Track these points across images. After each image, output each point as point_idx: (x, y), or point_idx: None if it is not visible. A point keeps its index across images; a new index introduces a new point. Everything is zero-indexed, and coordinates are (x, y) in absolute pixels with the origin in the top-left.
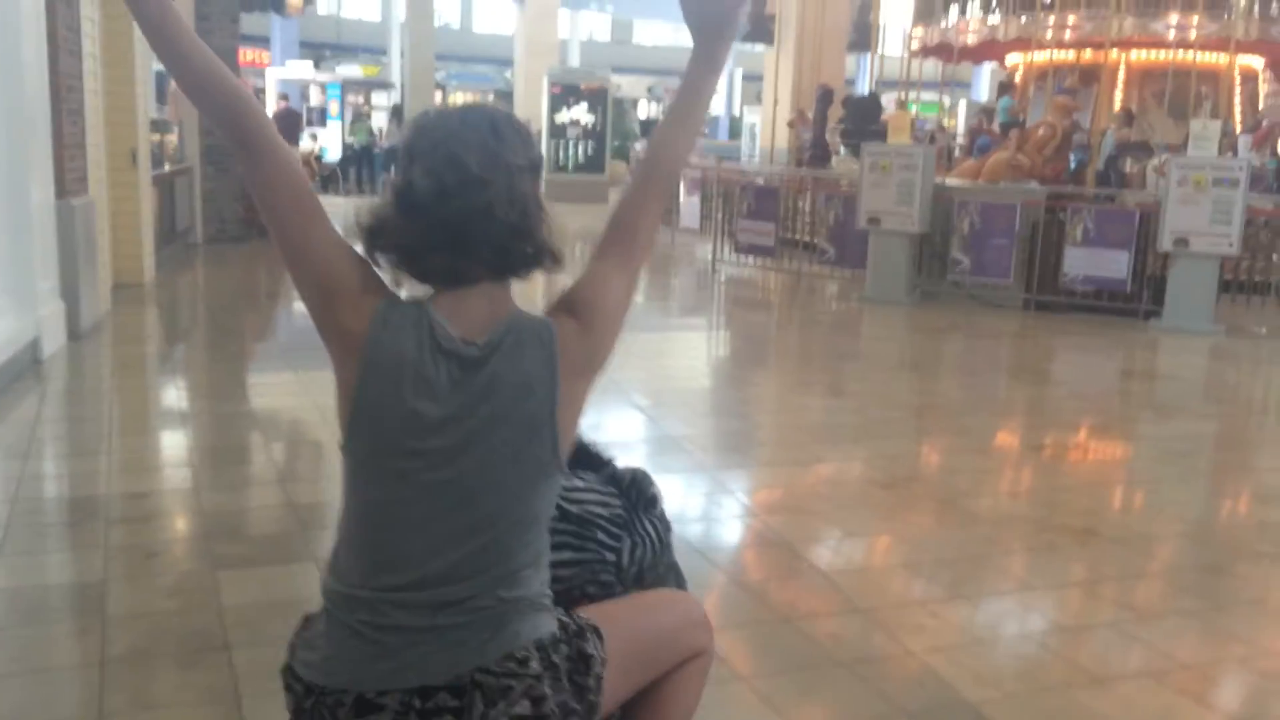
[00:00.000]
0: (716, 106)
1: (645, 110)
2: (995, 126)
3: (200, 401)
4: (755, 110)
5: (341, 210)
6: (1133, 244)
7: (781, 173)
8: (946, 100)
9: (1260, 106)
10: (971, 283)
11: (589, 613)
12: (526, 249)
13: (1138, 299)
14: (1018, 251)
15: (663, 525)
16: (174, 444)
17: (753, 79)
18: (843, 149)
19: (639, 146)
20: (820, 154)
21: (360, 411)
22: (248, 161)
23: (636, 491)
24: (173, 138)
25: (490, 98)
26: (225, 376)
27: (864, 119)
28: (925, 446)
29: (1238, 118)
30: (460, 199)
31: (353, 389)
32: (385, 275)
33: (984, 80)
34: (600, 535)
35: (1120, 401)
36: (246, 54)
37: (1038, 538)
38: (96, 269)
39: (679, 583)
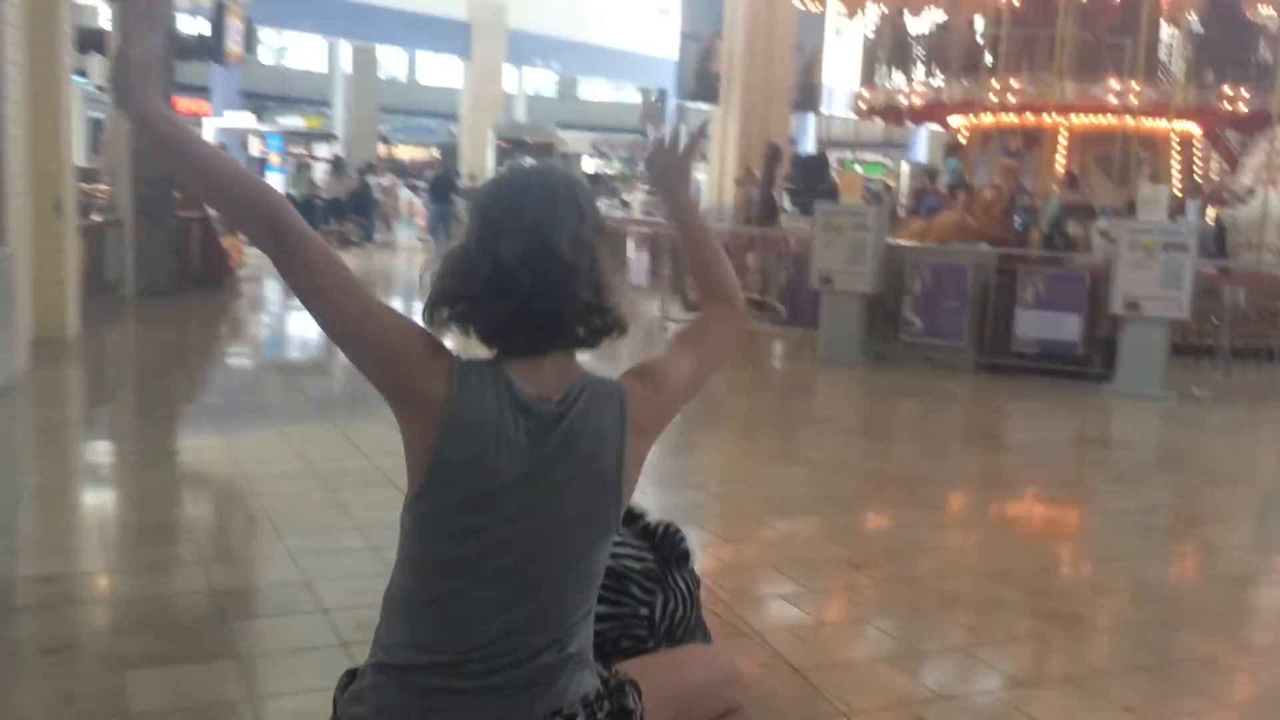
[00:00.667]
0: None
1: (591, 166)
2: (942, 187)
3: (122, 471)
4: (700, 168)
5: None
6: (1084, 307)
7: (731, 230)
8: (888, 161)
9: (1195, 172)
10: (924, 344)
11: (625, 667)
12: (602, 322)
13: (1089, 362)
14: (970, 313)
15: (693, 580)
16: (90, 519)
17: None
18: (790, 207)
19: None
20: (768, 212)
21: (438, 469)
22: (285, 255)
23: (669, 546)
24: (104, 187)
25: (434, 152)
26: (150, 442)
27: (811, 178)
28: (889, 520)
29: (1175, 182)
30: (556, 290)
31: (431, 448)
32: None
33: (922, 142)
34: (634, 590)
35: (1083, 471)
36: (186, 104)
37: (1019, 624)
38: (13, 323)
39: (705, 637)
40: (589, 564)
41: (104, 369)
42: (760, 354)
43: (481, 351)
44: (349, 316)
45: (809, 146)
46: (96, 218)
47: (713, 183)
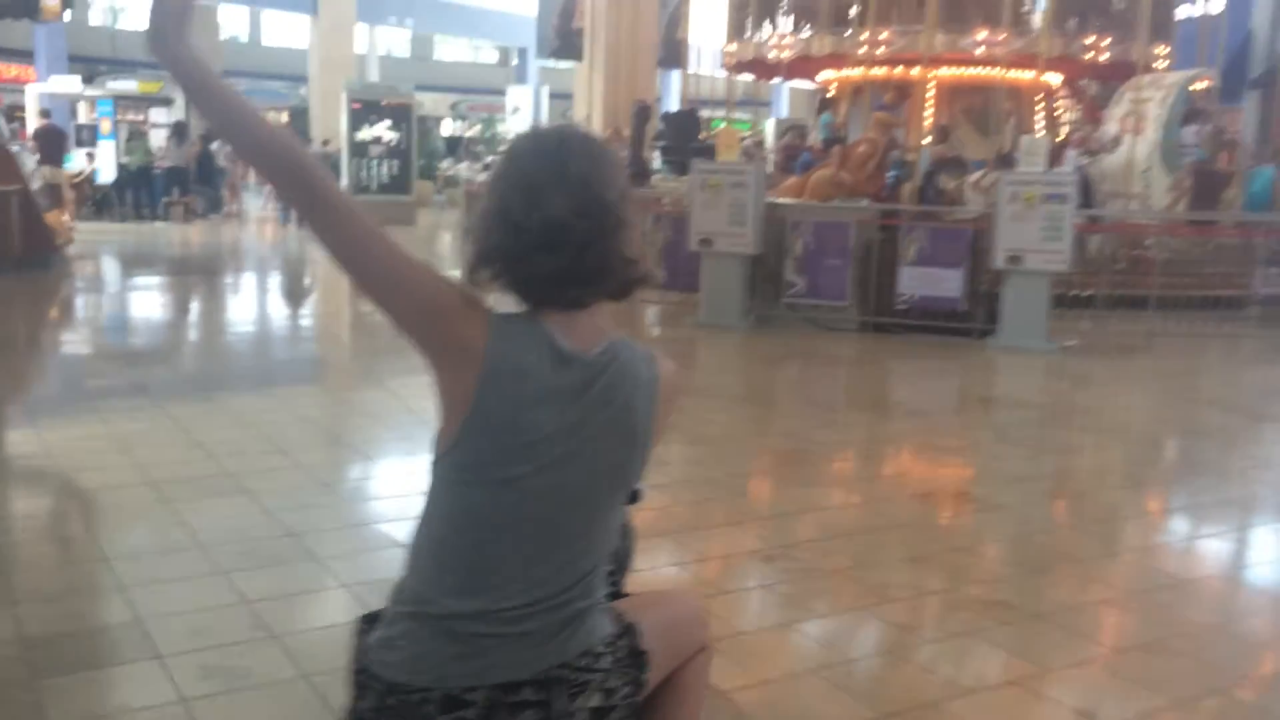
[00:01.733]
0: (523, 125)
1: (449, 128)
2: (817, 142)
3: None
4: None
5: (118, 237)
6: (965, 262)
7: None
8: (752, 119)
9: (1059, 121)
10: (807, 305)
11: (621, 608)
12: (636, 275)
13: (972, 317)
14: (853, 272)
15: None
16: None
17: (559, 97)
18: (661, 166)
19: (445, 165)
20: (639, 172)
21: (476, 419)
22: (322, 218)
23: None
24: None
25: (284, 116)
26: None
27: (683, 135)
28: (793, 502)
29: (1039, 133)
30: (607, 241)
31: (469, 399)
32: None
33: (785, 99)
34: None
35: (983, 434)
36: (10, 69)
37: (953, 617)
38: None
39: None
40: (614, 514)
41: None
42: (637, 321)
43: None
44: (388, 273)
45: (674, 105)
46: None
47: None
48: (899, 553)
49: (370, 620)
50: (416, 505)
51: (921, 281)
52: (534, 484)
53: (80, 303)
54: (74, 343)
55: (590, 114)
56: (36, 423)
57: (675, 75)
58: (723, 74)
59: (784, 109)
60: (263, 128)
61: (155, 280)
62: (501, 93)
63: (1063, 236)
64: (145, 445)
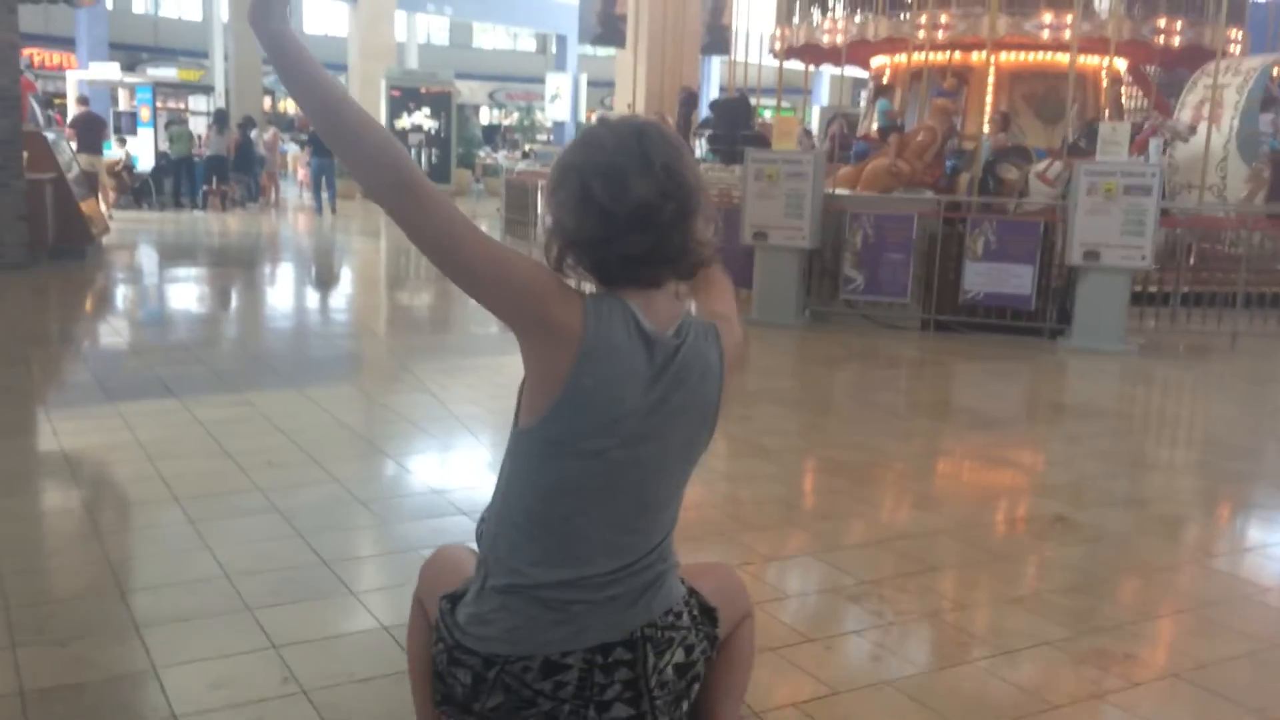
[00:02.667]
0: (561, 113)
1: (487, 116)
2: (872, 131)
3: None
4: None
5: (155, 226)
6: (1036, 257)
7: None
8: (790, 106)
9: (1125, 110)
10: (866, 302)
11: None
12: (706, 256)
13: (1042, 316)
14: (915, 267)
15: None
16: None
17: (598, 85)
18: (708, 155)
19: (483, 154)
20: None
21: (571, 395)
22: (414, 207)
23: None
24: None
25: None
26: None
27: (733, 123)
28: (877, 529)
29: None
30: (691, 219)
31: (564, 376)
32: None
33: (825, 86)
34: None
35: (1065, 448)
36: (52, 56)
37: (1079, 674)
38: None
39: None
40: (684, 486)
41: None
42: None
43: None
44: (485, 262)
45: (714, 93)
46: None
47: None
48: (1001, 591)
49: (453, 600)
50: (461, 527)
51: (988, 277)
52: (619, 457)
53: (113, 295)
54: (104, 337)
55: (632, 101)
56: (56, 426)
57: (715, 62)
58: (768, 60)
59: (824, 97)
60: (352, 110)
61: (191, 271)
62: (540, 80)
63: (1145, 231)
64: (172, 455)
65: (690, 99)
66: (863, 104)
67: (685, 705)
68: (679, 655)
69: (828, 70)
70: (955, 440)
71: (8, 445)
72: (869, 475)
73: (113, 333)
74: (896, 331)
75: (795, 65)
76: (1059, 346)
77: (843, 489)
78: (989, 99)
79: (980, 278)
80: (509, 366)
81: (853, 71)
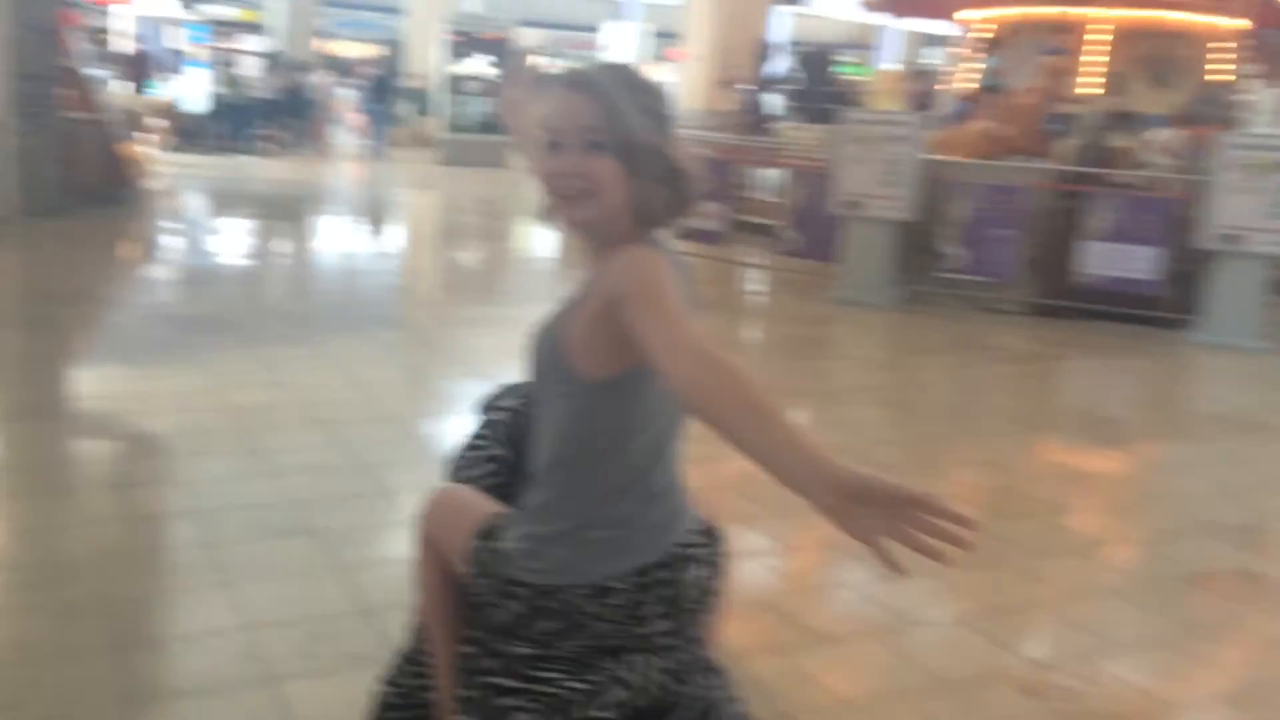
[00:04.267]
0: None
1: (542, 66)
2: (971, 91)
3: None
4: (666, 69)
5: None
6: (1163, 238)
7: (725, 142)
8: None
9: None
10: (966, 282)
11: None
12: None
13: (1165, 305)
14: (1023, 246)
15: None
16: None
17: (663, 35)
18: (784, 112)
19: None
20: (759, 119)
21: None
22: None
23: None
24: None
25: (378, 49)
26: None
27: (817, 78)
28: (1027, 590)
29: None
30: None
31: None
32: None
33: (893, 42)
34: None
35: (1229, 474)
36: None
37: None
38: None
39: None
40: None
41: None
42: (765, 294)
43: None
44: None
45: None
46: None
47: (688, 86)
48: (1215, 685)
49: (486, 535)
50: None
51: (1109, 259)
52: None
53: (150, 244)
54: (135, 290)
55: (698, 54)
56: (84, 385)
57: (782, 14)
58: (839, 13)
59: (891, 54)
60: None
61: (234, 220)
62: (593, 29)
63: None
64: (197, 468)
65: (767, 51)
66: (930, 60)
67: (706, 615)
68: (705, 570)
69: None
70: (1096, 460)
71: (33, 401)
72: (1007, 506)
73: (140, 290)
74: (999, 316)
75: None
76: (1184, 340)
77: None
78: (1096, 58)
79: (1098, 259)
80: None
81: (935, 27)
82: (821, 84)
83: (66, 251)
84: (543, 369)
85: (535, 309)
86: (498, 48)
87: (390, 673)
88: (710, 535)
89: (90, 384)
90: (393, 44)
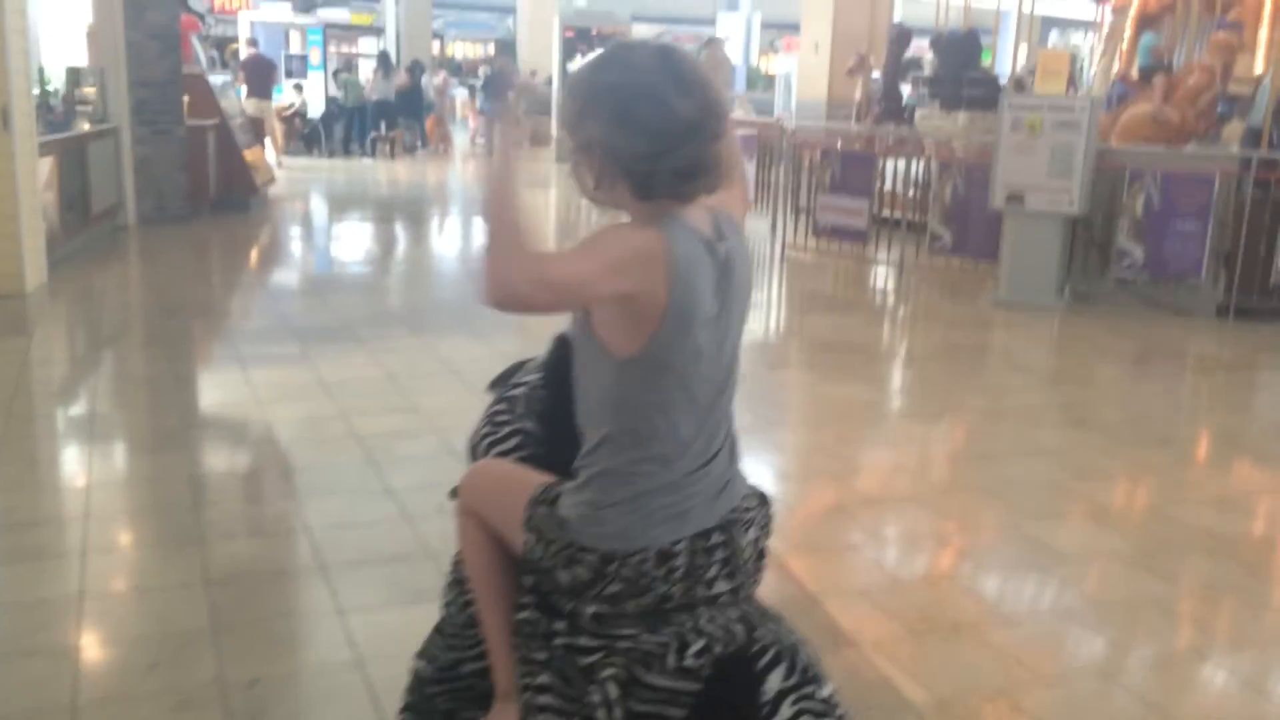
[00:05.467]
0: (732, 56)
1: None
2: (1130, 71)
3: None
4: (777, 59)
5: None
6: None
7: (866, 134)
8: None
9: None
10: (1144, 282)
11: None
12: (728, 170)
13: None
14: (1214, 241)
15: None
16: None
17: (772, 26)
18: (913, 100)
19: None
20: (894, 108)
21: (670, 316)
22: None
23: None
24: (92, 90)
25: (490, 48)
26: (119, 467)
27: (961, 63)
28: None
29: None
30: (724, 135)
31: (662, 303)
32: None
33: (1011, 24)
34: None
35: None
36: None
37: None
38: None
39: None
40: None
41: (73, 336)
42: (917, 296)
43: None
44: (609, 292)
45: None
46: (84, 126)
47: (807, 73)
48: None
49: (546, 502)
50: None
51: None
52: (712, 353)
53: (274, 252)
54: (261, 299)
55: (818, 43)
56: (203, 394)
57: None
58: None
59: (1009, 35)
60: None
61: (360, 227)
62: (710, 23)
63: None
64: (317, 506)
65: (903, 36)
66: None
67: (760, 576)
68: (756, 532)
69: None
70: None
71: (163, 405)
72: (1270, 563)
73: (270, 294)
74: (1184, 319)
75: (987, 4)
76: None
77: (1235, 585)
78: (1264, 34)
79: None
80: None
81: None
82: (967, 69)
83: (188, 261)
84: (581, 348)
85: None
86: (609, 43)
87: (425, 648)
88: (762, 499)
89: (213, 408)
90: (505, 43)
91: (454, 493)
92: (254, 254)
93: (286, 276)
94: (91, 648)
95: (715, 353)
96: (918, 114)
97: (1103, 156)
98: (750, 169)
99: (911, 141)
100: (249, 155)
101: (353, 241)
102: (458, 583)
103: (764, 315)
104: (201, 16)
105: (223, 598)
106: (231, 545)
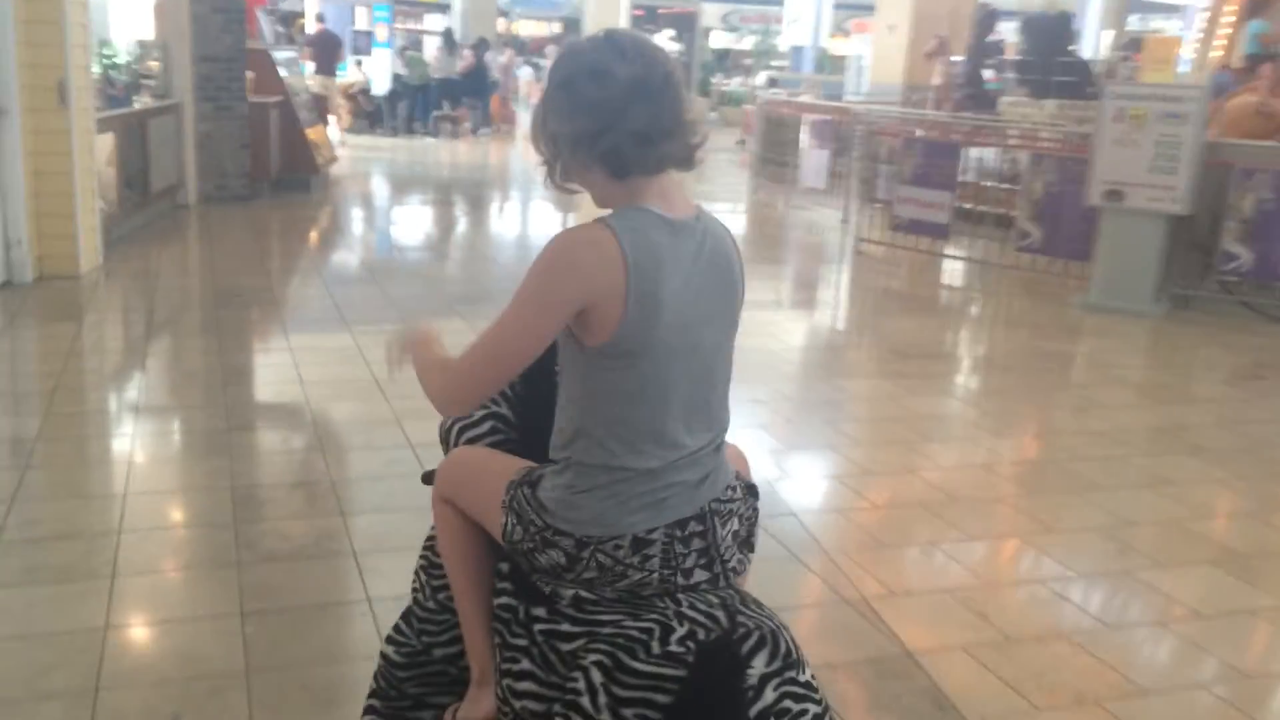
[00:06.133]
0: (801, 38)
1: (719, 40)
2: (1236, 59)
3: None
4: (847, 41)
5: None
6: None
7: (948, 121)
8: None
9: None
10: (1251, 286)
11: None
12: (698, 139)
13: None
14: None
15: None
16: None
17: (845, 7)
18: (995, 85)
19: (716, 81)
20: (977, 94)
21: (632, 307)
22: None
23: None
24: (155, 64)
25: (555, 27)
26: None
27: (1050, 47)
28: None
29: None
30: (673, 85)
31: (621, 294)
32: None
33: (1095, 5)
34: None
35: None
36: None
37: None
38: None
39: None
40: (730, 357)
41: (131, 319)
42: (1000, 297)
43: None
44: (549, 329)
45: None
46: (146, 101)
47: (881, 56)
48: None
49: (526, 484)
50: None
51: None
52: (683, 344)
53: (333, 235)
54: (317, 285)
55: (895, 23)
56: (237, 430)
57: None
58: None
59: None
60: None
61: (421, 210)
62: (778, 3)
63: None
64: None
65: (990, 18)
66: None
67: (744, 567)
68: (736, 524)
69: None
70: None
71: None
72: None
73: (328, 281)
74: None
75: None
76: None
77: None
78: None
79: None
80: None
81: None
82: (1056, 54)
83: (246, 243)
84: (561, 338)
85: None
86: (681, 22)
87: (393, 634)
88: (749, 491)
89: (262, 408)
90: (570, 21)
91: (427, 477)
92: (313, 237)
93: (345, 262)
94: (111, 690)
95: (689, 342)
96: (1002, 101)
97: (1210, 151)
98: (823, 156)
99: (996, 130)
100: (311, 133)
101: (413, 225)
102: (429, 567)
103: (834, 314)
104: None
105: (259, 634)
106: (271, 570)
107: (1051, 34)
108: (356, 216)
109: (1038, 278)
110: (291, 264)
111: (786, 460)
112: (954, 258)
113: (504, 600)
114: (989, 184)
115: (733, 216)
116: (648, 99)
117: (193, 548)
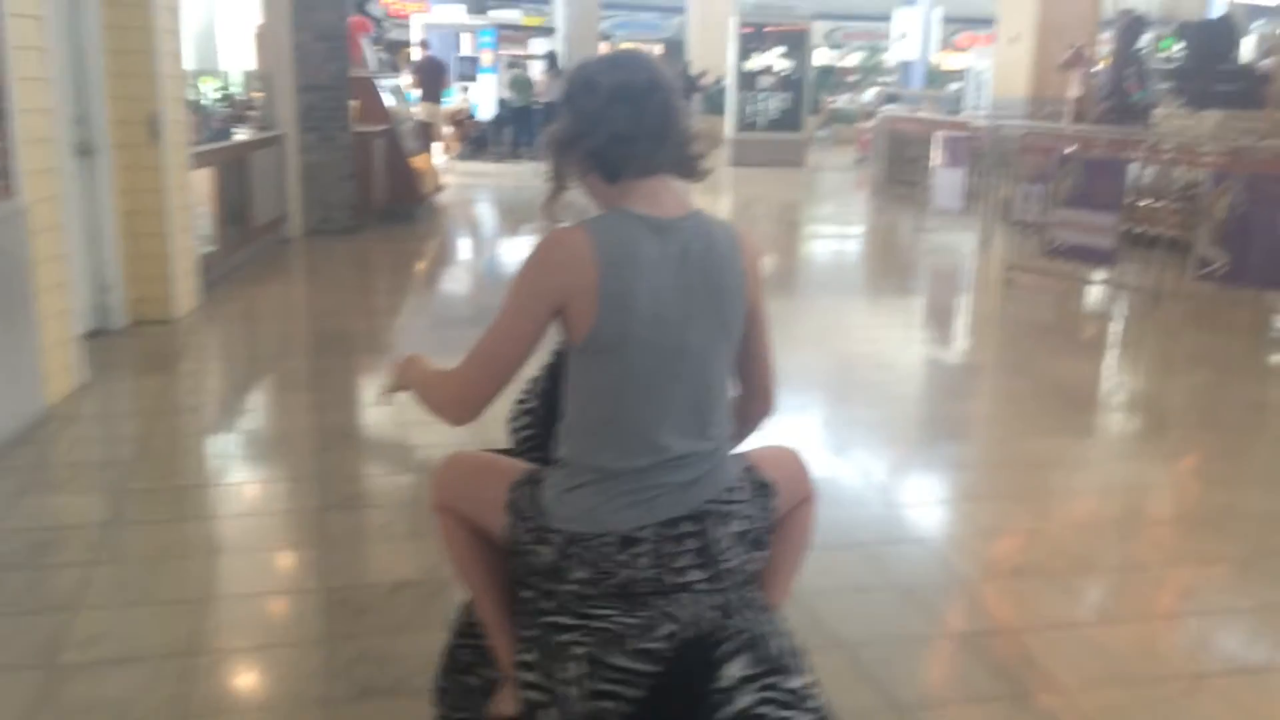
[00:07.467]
0: (909, 52)
1: (824, 57)
2: None
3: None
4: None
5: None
6: None
7: (1109, 137)
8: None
9: None
10: None
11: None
12: (695, 152)
13: None
14: None
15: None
16: None
17: (954, 20)
18: (1140, 95)
19: (830, 99)
20: (1121, 106)
21: (607, 303)
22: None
23: None
24: (259, 95)
25: (658, 49)
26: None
27: (1211, 55)
28: None
29: None
30: (660, 91)
31: (595, 290)
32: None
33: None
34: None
35: None
36: (407, 5)
37: None
38: (31, 321)
39: None
40: (726, 368)
41: (226, 371)
42: (1170, 325)
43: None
44: (530, 334)
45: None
46: (245, 134)
47: (1004, 68)
48: None
49: (527, 484)
50: None
51: None
52: (668, 344)
53: (439, 274)
54: (421, 340)
55: (1019, 34)
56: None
57: None
58: None
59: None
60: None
61: (529, 241)
62: (885, 19)
63: None
64: None
65: (1135, 25)
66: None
67: (753, 565)
68: (739, 525)
69: None
70: None
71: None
72: None
73: (435, 324)
74: None
75: None
76: None
77: None
78: None
79: None
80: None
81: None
82: (1220, 61)
83: (351, 279)
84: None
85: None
86: (791, 40)
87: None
88: (762, 491)
89: (362, 483)
90: (673, 43)
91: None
92: (420, 270)
93: (453, 298)
94: None
95: (672, 342)
96: (1155, 113)
97: None
98: (957, 176)
99: (1151, 145)
100: (416, 162)
101: (521, 255)
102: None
103: (980, 351)
104: (378, 20)
105: None
106: (365, 713)
107: (1214, 39)
108: (464, 247)
109: (1216, 309)
110: (397, 302)
111: (996, 547)
112: (1117, 285)
113: (524, 593)
114: (1159, 204)
115: (855, 241)
116: (629, 101)
117: (276, 671)
